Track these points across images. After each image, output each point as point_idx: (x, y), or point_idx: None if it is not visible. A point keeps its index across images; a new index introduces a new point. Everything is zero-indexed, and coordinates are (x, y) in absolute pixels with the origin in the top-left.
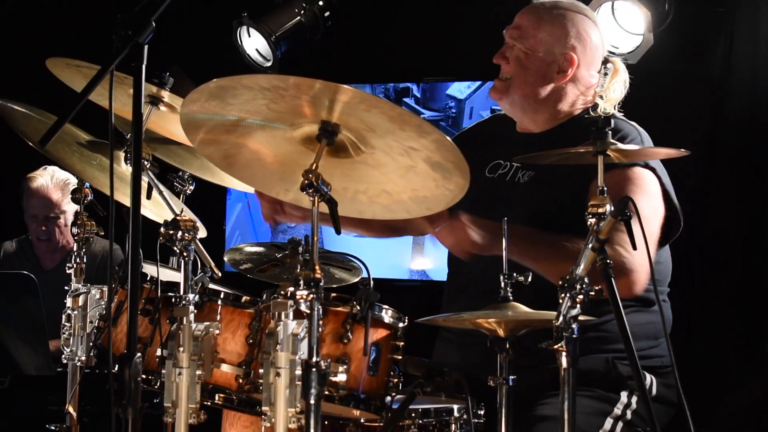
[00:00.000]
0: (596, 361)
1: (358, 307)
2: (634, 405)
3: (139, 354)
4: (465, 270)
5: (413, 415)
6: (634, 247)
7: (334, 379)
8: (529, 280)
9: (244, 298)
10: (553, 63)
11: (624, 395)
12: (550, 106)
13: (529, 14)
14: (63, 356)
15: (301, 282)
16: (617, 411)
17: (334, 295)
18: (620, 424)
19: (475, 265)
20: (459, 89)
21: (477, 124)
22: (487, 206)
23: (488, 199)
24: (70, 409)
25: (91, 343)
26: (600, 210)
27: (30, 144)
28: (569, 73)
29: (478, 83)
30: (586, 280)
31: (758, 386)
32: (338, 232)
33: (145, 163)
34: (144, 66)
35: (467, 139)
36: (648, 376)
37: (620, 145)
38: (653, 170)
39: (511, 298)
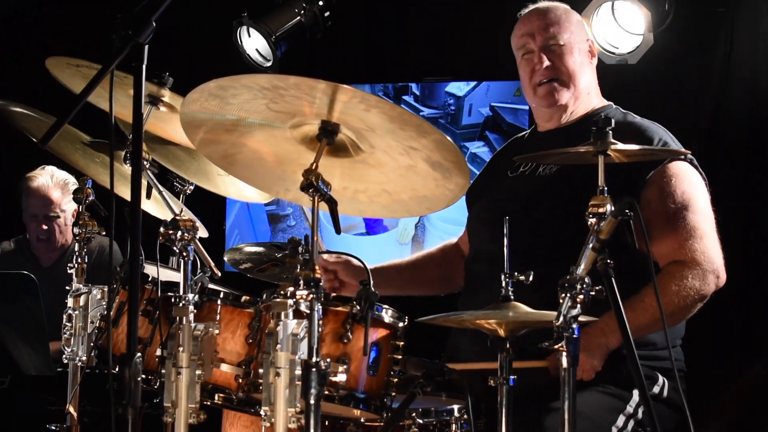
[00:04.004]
0: (611, 359)
1: (358, 307)
2: None
3: (139, 354)
4: (484, 266)
5: (413, 415)
6: (635, 247)
7: (334, 379)
8: (530, 279)
9: (243, 298)
10: (586, 50)
11: (636, 393)
12: (588, 93)
13: (550, 12)
14: (63, 356)
15: (301, 282)
16: (629, 409)
17: (334, 294)
18: (632, 422)
19: (489, 260)
20: (458, 86)
21: (499, 149)
22: (506, 201)
23: (508, 194)
24: (71, 409)
25: (92, 344)
26: (600, 210)
27: (33, 140)
28: (594, 61)
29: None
30: (586, 280)
31: (756, 377)
32: (338, 232)
33: (145, 163)
34: (144, 66)
35: (494, 162)
36: (660, 378)
37: (620, 145)
38: (691, 161)
39: (512, 297)
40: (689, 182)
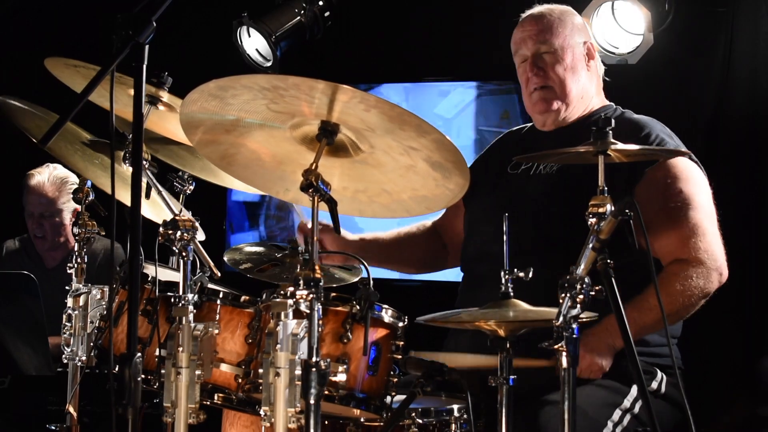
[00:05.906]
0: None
1: (358, 307)
2: None
3: (139, 354)
4: (487, 265)
5: (413, 415)
6: (635, 247)
7: (333, 378)
8: (530, 275)
9: (243, 298)
10: (581, 54)
11: (635, 389)
12: (581, 97)
13: (544, 18)
14: (63, 356)
15: (301, 282)
16: (626, 403)
17: (333, 294)
18: (628, 416)
19: (495, 260)
20: (447, 108)
21: (495, 141)
22: (507, 199)
23: (509, 192)
24: (71, 409)
25: (91, 344)
26: (600, 210)
27: (33, 140)
28: (592, 63)
29: (468, 100)
30: (586, 279)
31: (759, 394)
32: (338, 232)
33: (144, 163)
34: (145, 66)
35: (490, 154)
36: (659, 374)
37: (620, 145)
38: (697, 162)
39: (512, 294)
40: (687, 179)
